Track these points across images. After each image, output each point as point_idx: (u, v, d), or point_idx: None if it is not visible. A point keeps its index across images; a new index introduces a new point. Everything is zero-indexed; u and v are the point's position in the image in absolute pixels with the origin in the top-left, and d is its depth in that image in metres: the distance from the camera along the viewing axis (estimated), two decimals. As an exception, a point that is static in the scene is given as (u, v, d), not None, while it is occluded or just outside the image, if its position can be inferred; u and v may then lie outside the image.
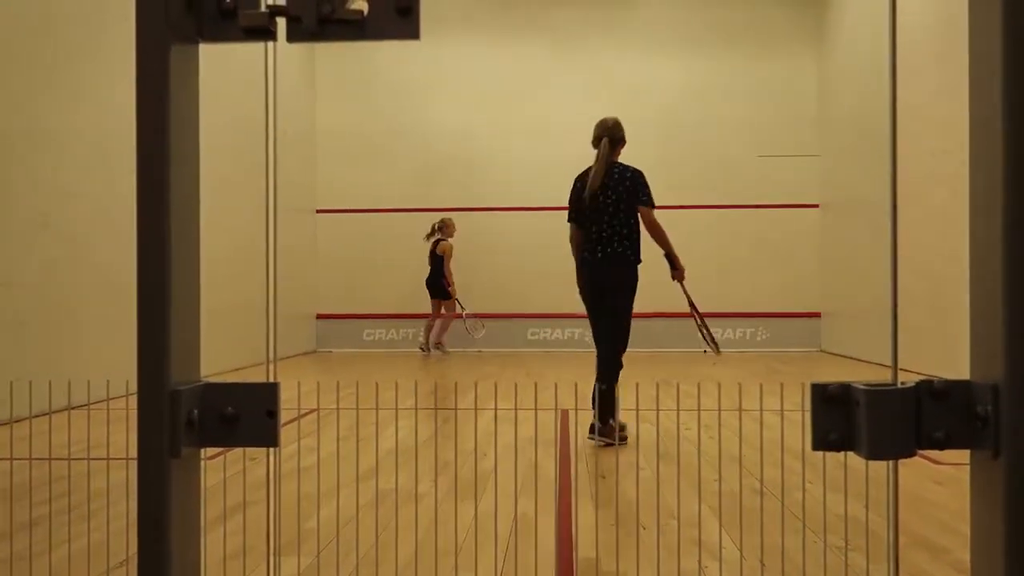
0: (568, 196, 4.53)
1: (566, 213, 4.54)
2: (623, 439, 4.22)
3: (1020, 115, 0.84)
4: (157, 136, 0.94)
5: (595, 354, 4.49)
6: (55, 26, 5.61)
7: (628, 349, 4.36)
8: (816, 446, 0.93)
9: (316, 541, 2.50)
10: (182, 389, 0.92)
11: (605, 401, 4.17)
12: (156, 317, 0.90)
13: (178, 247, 0.94)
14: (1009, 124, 0.85)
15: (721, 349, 5.23)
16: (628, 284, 4.35)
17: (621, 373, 4.39)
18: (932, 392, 0.90)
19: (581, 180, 4.50)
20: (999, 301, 0.85)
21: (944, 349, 6.94)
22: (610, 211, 4.34)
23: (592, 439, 4.21)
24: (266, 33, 0.99)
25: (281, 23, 1.00)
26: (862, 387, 0.90)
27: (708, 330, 4.86)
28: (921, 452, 0.92)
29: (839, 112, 10.39)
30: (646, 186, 4.38)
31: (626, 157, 4.52)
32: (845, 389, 0.92)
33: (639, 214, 4.37)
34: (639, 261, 4.39)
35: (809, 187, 11.04)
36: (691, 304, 4.84)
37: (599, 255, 4.36)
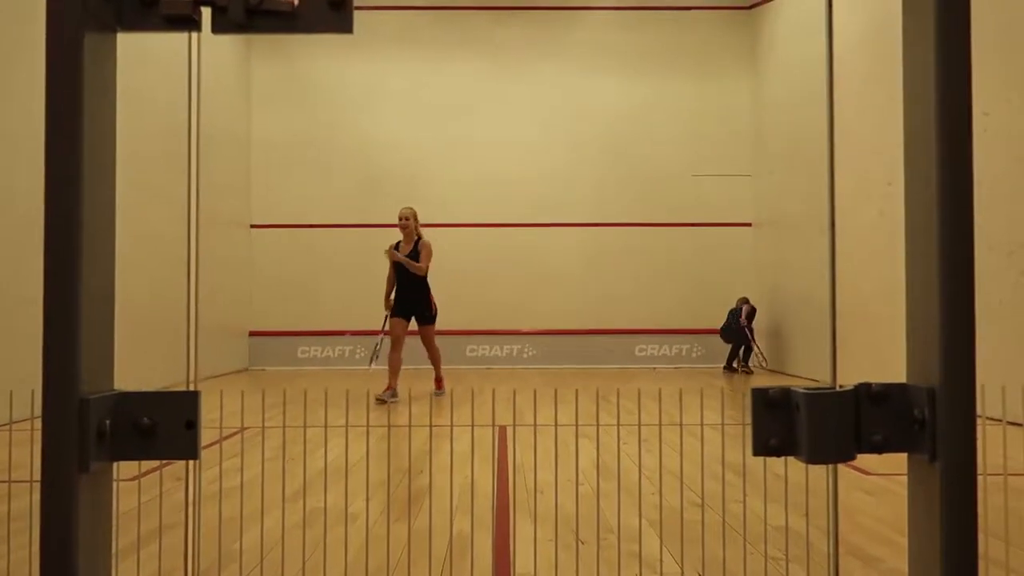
0: None
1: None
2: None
3: (953, 135, 0.86)
4: (68, 132, 0.87)
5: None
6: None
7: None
8: (757, 451, 0.92)
9: (240, 564, 2.40)
10: (92, 398, 0.85)
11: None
12: (64, 319, 0.83)
13: (90, 248, 0.88)
14: (942, 143, 0.86)
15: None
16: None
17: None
18: (870, 395, 0.89)
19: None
20: (935, 306, 0.86)
21: (871, 362, 7.14)
22: None
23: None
24: (190, 23, 0.94)
25: (207, 13, 0.95)
26: (802, 391, 0.90)
27: (759, 347, 9.32)
28: (850, 463, 0.92)
29: (771, 132, 10.70)
30: None
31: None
32: (785, 393, 0.92)
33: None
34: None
35: (742, 205, 11.31)
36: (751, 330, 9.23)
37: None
